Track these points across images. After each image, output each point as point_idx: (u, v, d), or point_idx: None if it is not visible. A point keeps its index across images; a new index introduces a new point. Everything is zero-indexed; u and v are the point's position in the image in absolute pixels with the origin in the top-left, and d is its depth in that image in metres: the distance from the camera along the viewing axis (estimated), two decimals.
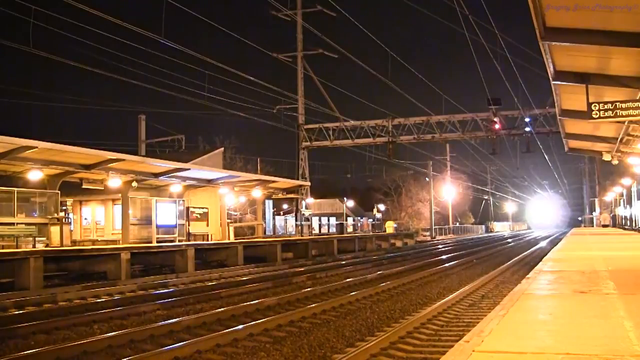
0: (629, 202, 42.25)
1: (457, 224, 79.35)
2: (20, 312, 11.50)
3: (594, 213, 68.46)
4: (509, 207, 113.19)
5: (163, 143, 38.95)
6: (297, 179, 39.49)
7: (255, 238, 30.05)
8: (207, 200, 27.55)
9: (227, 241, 26.33)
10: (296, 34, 42.61)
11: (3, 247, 17.33)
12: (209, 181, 26.47)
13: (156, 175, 22.86)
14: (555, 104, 17.97)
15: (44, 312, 11.44)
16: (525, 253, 28.10)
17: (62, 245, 19.07)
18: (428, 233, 60.94)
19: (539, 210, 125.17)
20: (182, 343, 8.00)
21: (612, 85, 13.67)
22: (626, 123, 17.09)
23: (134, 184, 21.60)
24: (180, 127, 73.64)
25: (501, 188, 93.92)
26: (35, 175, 18.74)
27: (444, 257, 26.68)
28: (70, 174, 20.00)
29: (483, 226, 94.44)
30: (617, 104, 13.16)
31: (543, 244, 37.82)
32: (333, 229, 45.80)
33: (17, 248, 17.07)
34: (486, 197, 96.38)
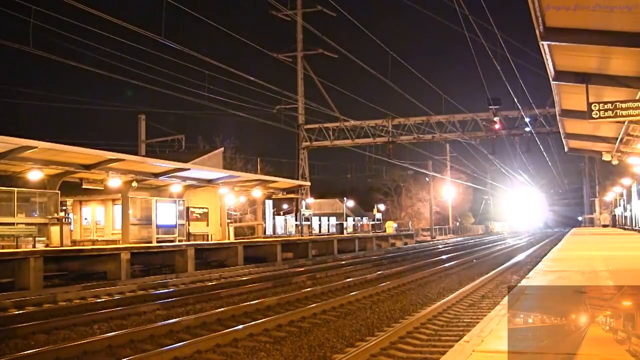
0: (629, 202, 42.22)
1: (457, 224, 79.28)
2: (20, 312, 11.51)
3: (594, 213, 68.41)
4: (509, 207, 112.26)
5: (163, 143, 38.99)
6: (297, 179, 39.49)
7: (255, 238, 30.05)
8: (207, 200, 27.55)
9: (227, 241, 26.33)
10: (296, 34, 42.66)
11: (3, 247, 17.33)
12: (209, 181, 26.47)
13: (156, 175, 22.85)
14: (555, 104, 17.95)
15: (44, 312, 11.44)
16: (526, 253, 28.11)
17: (62, 245, 19.07)
18: (428, 233, 60.93)
19: (526, 207, 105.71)
20: (182, 343, 8.01)
21: (612, 85, 13.65)
22: (626, 123, 17.07)
23: (134, 184, 21.59)
24: (180, 127, 73.53)
25: (496, 187, 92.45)
26: (35, 175, 18.73)
27: (444, 257, 26.68)
28: (70, 174, 20.00)
29: (483, 226, 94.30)
30: (617, 104, 13.15)
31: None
32: (333, 229, 45.78)
33: (17, 248, 17.07)
34: (486, 197, 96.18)
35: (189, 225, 25.13)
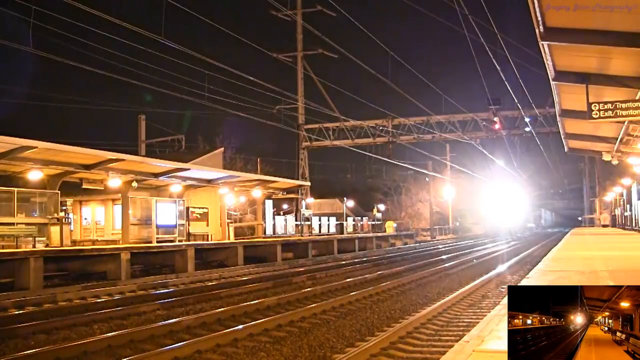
0: (629, 202, 42.21)
1: (457, 224, 79.14)
2: (20, 312, 11.51)
3: (594, 213, 68.36)
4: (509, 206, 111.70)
5: (163, 143, 38.94)
6: (297, 179, 39.50)
7: (255, 238, 30.04)
8: (207, 200, 27.54)
9: (227, 241, 26.33)
10: (296, 34, 42.66)
11: (3, 247, 17.33)
12: (209, 181, 26.47)
13: (156, 175, 22.85)
14: (555, 104, 17.94)
15: (44, 312, 11.44)
16: (526, 253, 28.12)
17: (62, 245, 19.06)
18: (428, 233, 60.89)
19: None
20: (182, 343, 8.01)
21: (612, 85, 13.65)
22: (626, 123, 17.07)
23: (134, 184, 21.58)
24: (180, 127, 73.34)
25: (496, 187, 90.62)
26: (35, 175, 18.73)
27: (444, 257, 26.69)
28: (70, 174, 19.99)
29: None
30: (617, 104, 13.14)
31: None
32: (333, 229, 45.77)
33: (17, 248, 17.07)
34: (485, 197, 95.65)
35: (189, 225, 25.12)
